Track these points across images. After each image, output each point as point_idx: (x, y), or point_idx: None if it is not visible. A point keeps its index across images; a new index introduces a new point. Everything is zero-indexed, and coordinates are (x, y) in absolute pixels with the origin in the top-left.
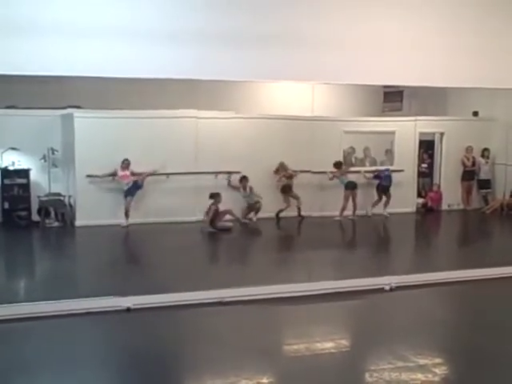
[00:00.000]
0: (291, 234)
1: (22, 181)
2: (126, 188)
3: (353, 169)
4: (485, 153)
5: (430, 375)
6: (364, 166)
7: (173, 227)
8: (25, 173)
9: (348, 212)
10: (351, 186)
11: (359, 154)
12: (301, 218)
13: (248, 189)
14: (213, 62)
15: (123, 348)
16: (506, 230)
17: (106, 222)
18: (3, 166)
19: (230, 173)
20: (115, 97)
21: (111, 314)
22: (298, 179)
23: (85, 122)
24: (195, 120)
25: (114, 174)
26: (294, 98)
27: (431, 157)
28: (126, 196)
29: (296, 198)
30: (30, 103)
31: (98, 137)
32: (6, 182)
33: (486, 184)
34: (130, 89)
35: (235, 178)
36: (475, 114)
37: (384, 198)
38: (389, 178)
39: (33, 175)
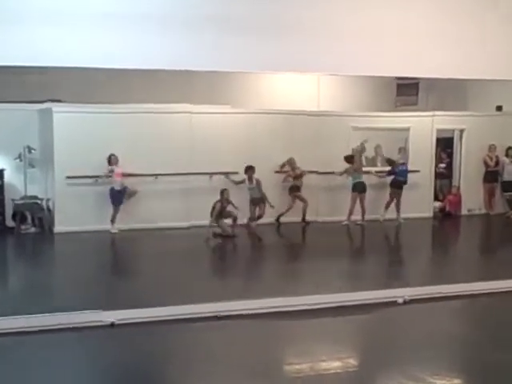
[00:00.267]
0: (293, 241)
1: None
2: (117, 188)
3: (363, 169)
4: (509, 152)
5: None
6: (375, 165)
7: (163, 234)
8: None
9: (356, 216)
10: (359, 188)
11: (370, 153)
12: (305, 223)
13: (254, 181)
14: (207, 51)
15: (106, 368)
16: None
17: (87, 228)
18: None
19: (227, 173)
20: (100, 90)
21: (93, 329)
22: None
23: (65, 117)
24: (189, 115)
25: (110, 172)
26: (298, 90)
27: (450, 156)
28: (114, 203)
29: (303, 200)
30: (4, 96)
31: (80, 134)
32: None
33: (510, 186)
34: (117, 81)
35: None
36: (499, 108)
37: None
38: (405, 172)
39: (7, 176)
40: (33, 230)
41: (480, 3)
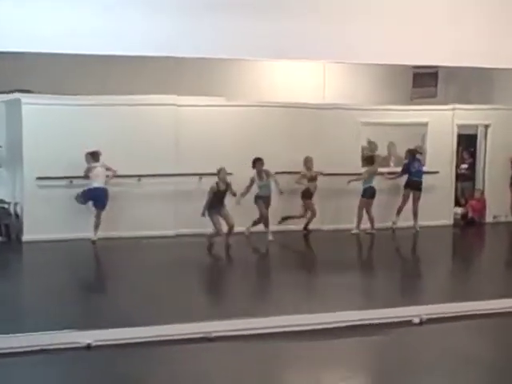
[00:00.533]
0: (296, 252)
1: None
2: (95, 185)
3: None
4: None
5: None
6: (388, 165)
7: (146, 243)
8: None
9: (364, 225)
10: (370, 193)
11: (382, 152)
12: (306, 231)
13: (264, 175)
14: (198, 36)
15: None
16: None
17: (60, 237)
18: None
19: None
20: (76, 80)
21: (66, 352)
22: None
23: (35, 109)
24: (174, 108)
25: (87, 173)
26: (301, 81)
27: (473, 155)
28: (97, 205)
29: (312, 210)
30: None
31: (53, 129)
32: None
33: None
34: (95, 70)
35: None
36: None
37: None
38: (421, 172)
39: None
40: None
41: None
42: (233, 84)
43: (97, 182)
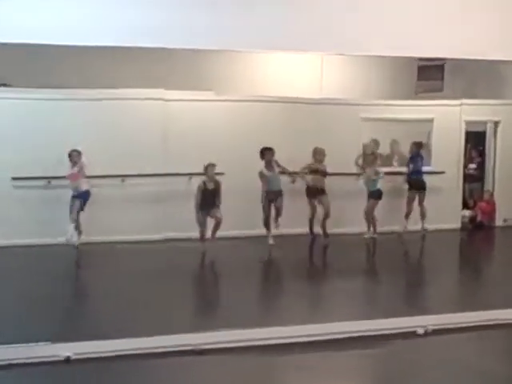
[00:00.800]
0: (292, 257)
1: None
2: (75, 193)
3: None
4: None
5: None
6: (390, 165)
7: (130, 248)
8: None
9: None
10: (378, 195)
11: (384, 150)
12: (312, 235)
13: (275, 165)
14: (187, 26)
15: None
16: None
17: (36, 241)
18: None
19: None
20: (55, 72)
21: (43, 366)
22: (301, 182)
23: (10, 104)
24: (162, 103)
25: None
26: (297, 74)
27: (482, 154)
28: (74, 209)
29: (312, 207)
30: None
31: (29, 125)
32: None
33: None
34: (75, 62)
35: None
36: None
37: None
38: (419, 172)
39: None
40: None
41: None
42: (224, 77)
43: (86, 185)
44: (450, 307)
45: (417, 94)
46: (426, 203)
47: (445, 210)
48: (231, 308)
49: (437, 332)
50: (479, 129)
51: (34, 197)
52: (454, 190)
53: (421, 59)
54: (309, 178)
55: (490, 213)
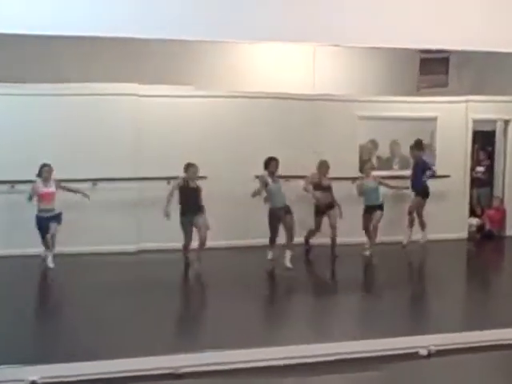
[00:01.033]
0: (283, 270)
1: None
2: (48, 215)
3: (374, 173)
4: None
5: None
6: (391, 168)
7: (102, 261)
8: None
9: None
10: (383, 207)
11: (383, 152)
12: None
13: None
14: (164, 14)
15: None
16: None
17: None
18: None
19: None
20: (15, 64)
21: None
22: (293, 188)
23: None
24: (135, 99)
25: (33, 190)
26: (287, 67)
27: (490, 156)
28: (50, 235)
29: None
30: None
31: None
32: None
33: None
34: (43, 54)
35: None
36: None
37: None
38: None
39: None
40: None
41: None
42: (206, 71)
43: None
44: (455, 325)
45: (419, 89)
46: (429, 210)
47: (450, 217)
48: (214, 327)
49: (441, 353)
50: (488, 128)
51: None
52: (460, 196)
53: (423, 51)
54: (318, 194)
55: (500, 221)
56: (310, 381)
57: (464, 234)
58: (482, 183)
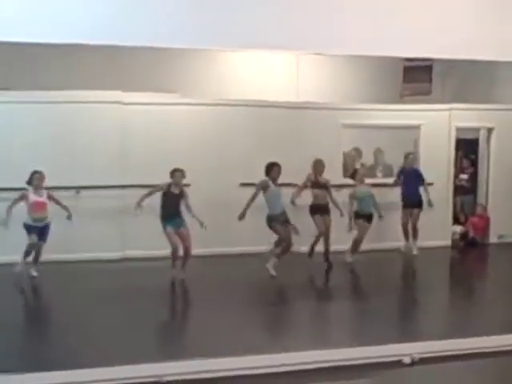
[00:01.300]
0: (268, 278)
1: None
2: (38, 225)
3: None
4: None
5: None
6: (374, 176)
7: (86, 268)
8: None
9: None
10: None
11: (367, 160)
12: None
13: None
14: (148, 21)
15: None
16: None
17: None
18: None
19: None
20: (3, 72)
21: None
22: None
23: None
24: (120, 107)
25: (21, 199)
26: (271, 75)
27: (474, 164)
28: (38, 249)
29: (319, 227)
30: None
31: None
32: None
33: None
34: (26, 61)
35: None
36: None
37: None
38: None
39: None
40: None
41: None
42: (191, 79)
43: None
44: (439, 333)
45: (402, 97)
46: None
47: (433, 225)
48: (200, 335)
49: (425, 361)
50: (471, 136)
51: None
52: (443, 204)
53: (407, 59)
54: (316, 191)
55: (483, 228)
56: None
57: (447, 242)
58: (466, 191)
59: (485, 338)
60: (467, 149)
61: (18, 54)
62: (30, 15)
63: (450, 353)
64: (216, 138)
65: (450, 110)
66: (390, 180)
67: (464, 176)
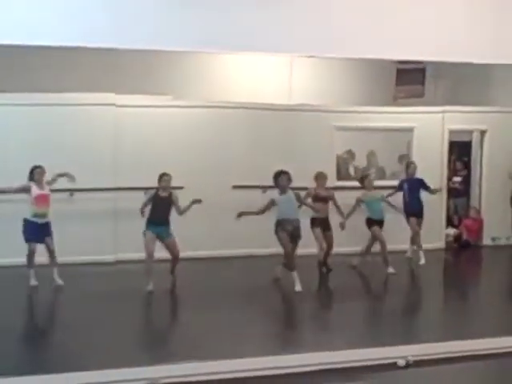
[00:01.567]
0: (262, 281)
1: None
2: (40, 221)
3: (351, 184)
4: None
5: None
6: None
7: (78, 271)
8: None
9: (341, 248)
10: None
11: (360, 162)
12: (327, 269)
13: (290, 193)
14: (141, 24)
15: None
16: None
17: None
18: None
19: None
20: None
21: None
22: (267, 199)
23: None
24: (113, 109)
25: (24, 190)
26: (263, 78)
27: (467, 166)
28: (29, 239)
29: (319, 241)
30: None
31: None
32: None
33: None
34: (19, 64)
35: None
36: None
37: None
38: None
39: None
40: None
41: None
42: (183, 81)
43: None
44: (433, 336)
45: (395, 99)
46: (404, 222)
47: (427, 227)
48: (193, 338)
49: (419, 363)
50: (464, 138)
51: None
52: (436, 206)
53: (400, 62)
54: (318, 205)
55: (477, 231)
56: None
57: (441, 244)
58: (459, 193)
59: (479, 340)
60: (460, 151)
61: (12, 56)
62: (25, 18)
63: (444, 355)
64: (209, 140)
65: (443, 112)
66: (383, 182)
67: (457, 178)
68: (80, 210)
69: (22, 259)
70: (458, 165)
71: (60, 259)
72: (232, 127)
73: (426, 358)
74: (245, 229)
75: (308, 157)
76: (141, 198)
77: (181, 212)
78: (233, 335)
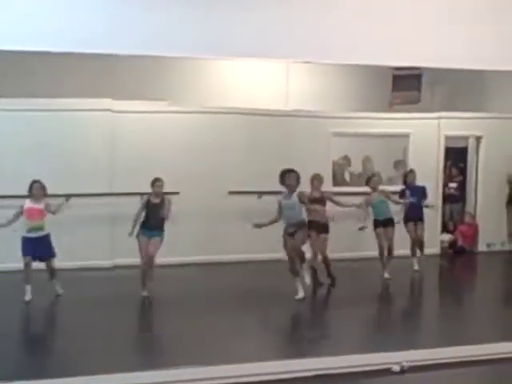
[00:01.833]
0: (254, 286)
1: None
2: (33, 236)
3: (346, 189)
4: None
5: None
6: (362, 184)
7: (76, 276)
8: None
9: (343, 253)
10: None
11: (356, 168)
12: (332, 282)
13: (295, 194)
14: (138, 30)
15: None
16: None
17: None
18: None
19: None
20: None
21: None
22: (264, 205)
23: None
24: (110, 114)
25: (19, 215)
26: (260, 83)
27: (463, 172)
28: (26, 253)
29: (316, 246)
30: None
31: None
32: None
33: None
34: (15, 69)
35: None
36: None
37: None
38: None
39: None
40: None
41: None
42: (179, 87)
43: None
44: (428, 342)
45: (391, 106)
46: (399, 228)
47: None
48: (189, 343)
49: (414, 369)
50: (460, 144)
51: None
52: (432, 212)
53: (396, 68)
54: (315, 206)
55: (472, 237)
56: None
57: (436, 250)
58: (455, 199)
59: (474, 346)
60: (456, 157)
61: (9, 61)
62: (22, 24)
63: (439, 361)
64: (205, 145)
65: (438, 118)
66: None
67: (453, 184)
68: (77, 215)
69: (22, 265)
70: (454, 171)
71: (57, 264)
72: (228, 133)
73: (420, 363)
74: (241, 234)
75: (304, 162)
76: (137, 203)
77: (166, 216)
78: (230, 341)
